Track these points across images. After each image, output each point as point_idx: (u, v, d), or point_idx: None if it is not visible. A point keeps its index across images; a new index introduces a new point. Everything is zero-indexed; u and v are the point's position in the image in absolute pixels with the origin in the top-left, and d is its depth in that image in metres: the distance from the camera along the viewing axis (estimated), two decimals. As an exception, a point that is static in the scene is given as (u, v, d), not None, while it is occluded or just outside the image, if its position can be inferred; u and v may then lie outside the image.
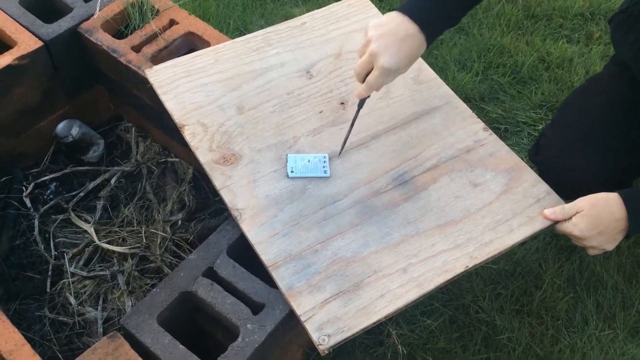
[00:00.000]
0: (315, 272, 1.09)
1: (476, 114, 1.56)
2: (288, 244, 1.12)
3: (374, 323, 1.05)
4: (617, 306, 1.47)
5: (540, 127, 1.81)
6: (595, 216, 1.10)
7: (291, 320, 1.08)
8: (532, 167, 1.28)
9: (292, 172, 1.20)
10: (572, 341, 1.41)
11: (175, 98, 1.29)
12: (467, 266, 1.12)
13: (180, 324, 1.12)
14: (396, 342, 1.27)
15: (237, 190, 1.17)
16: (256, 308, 1.08)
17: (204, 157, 1.21)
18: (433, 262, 1.12)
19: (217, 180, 1.18)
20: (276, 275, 1.08)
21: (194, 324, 1.18)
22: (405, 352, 1.29)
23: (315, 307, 1.05)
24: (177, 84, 1.31)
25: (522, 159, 1.72)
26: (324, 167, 1.21)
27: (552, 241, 1.56)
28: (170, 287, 1.10)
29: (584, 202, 1.12)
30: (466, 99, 1.83)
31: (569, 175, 1.28)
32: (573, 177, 1.28)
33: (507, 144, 1.76)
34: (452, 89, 1.37)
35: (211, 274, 1.12)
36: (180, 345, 1.03)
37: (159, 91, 1.30)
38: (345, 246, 1.12)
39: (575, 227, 1.11)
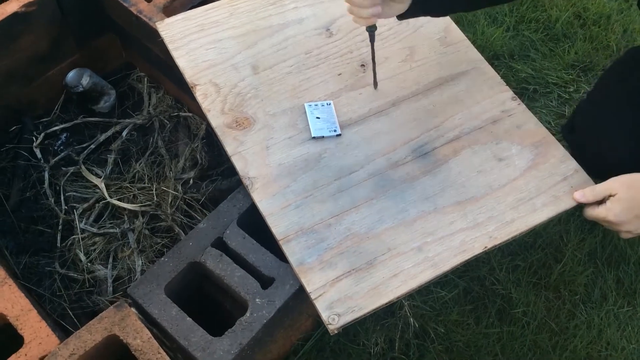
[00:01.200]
0: (327, 247, 1.05)
1: (504, 74, 1.47)
2: (301, 217, 1.08)
3: (386, 304, 1.01)
4: (638, 282, 1.42)
5: (571, 89, 1.72)
6: (632, 199, 1.02)
7: (301, 294, 1.05)
8: (560, 141, 1.21)
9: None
10: (589, 317, 1.38)
11: (188, 55, 1.23)
12: (485, 247, 1.07)
13: (189, 292, 1.10)
14: (408, 314, 1.24)
15: (249, 157, 1.13)
16: (266, 281, 1.05)
17: (216, 120, 1.16)
18: (450, 241, 1.07)
19: (229, 146, 1.13)
20: (287, 249, 1.05)
21: (204, 291, 1.16)
22: (417, 324, 1.27)
23: (327, 285, 1.02)
24: (189, 39, 1.24)
25: (549, 123, 1.67)
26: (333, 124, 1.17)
27: (575, 212, 1.50)
28: (179, 256, 1.07)
29: (617, 184, 1.05)
30: (495, 57, 1.74)
31: (603, 158, 1.21)
32: (608, 161, 1.20)
33: (535, 106, 1.70)
34: (480, 45, 1.30)
35: (221, 244, 1.09)
36: (188, 318, 1.01)
37: (170, 46, 1.23)
38: (360, 221, 1.08)
39: (610, 212, 1.03)
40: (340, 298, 1.01)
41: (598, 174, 1.14)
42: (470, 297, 1.38)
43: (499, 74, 1.27)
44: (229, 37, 1.26)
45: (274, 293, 1.04)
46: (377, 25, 1.12)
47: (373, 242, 1.06)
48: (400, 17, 1.09)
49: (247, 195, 1.12)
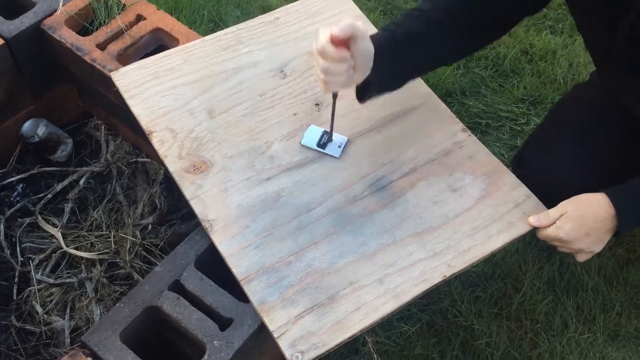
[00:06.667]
0: (288, 285, 1.05)
1: (457, 109, 1.51)
2: (261, 256, 1.08)
3: (349, 338, 1.01)
4: (597, 309, 1.45)
5: (522, 122, 1.78)
6: (581, 217, 1.07)
7: (260, 334, 1.05)
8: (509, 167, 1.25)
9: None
10: (551, 345, 1.39)
11: (143, 102, 1.23)
12: (444, 275, 1.09)
13: (147, 338, 1.08)
14: (372, 350, 1.24)
15: (207, 200, 1.13)
16: (225, 323, 1.04)
17: (173, 165, 1.16)
18: (410, 272, 1.08)
19: (187, 191, 1.14)
20: (248, 289, 1.04)
21: (163, 337, 1.14)
22: (381, 361, 1.27)
23: (289, 322, 1.01)
24: (144, 87, 1.25)
25: (502, 155, 1.71)
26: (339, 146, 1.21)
27: (532, 242, 1.53)
28: (134, 301, 1.05)
29: (566, 205, 1.09)
30: (447, 94, 1.80)
31: (551, 193, 1.24)
32: (555, 194, 1.24)
33: (488, 139, 1.75)
34: (432, 84, 1.34)
35: (178, 287, 1.08)
36: (145, 364, 1.00)
37: (125, 95, 1.24)
38: (320, 257, 1.09)
39: (560, 230, 1.08)
40: (304, 335, 1.00)
41: (546, 205, 1.17)
42: (433, 331, 1.39)
43: (451, 110, 1.31)
44: (184, 83, 1.27)
45: (232, 334, 1.02)
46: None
47: (334, 277, 1.07)
48: (361, 99, 1.12)
49: (205, 237, 1.12)
